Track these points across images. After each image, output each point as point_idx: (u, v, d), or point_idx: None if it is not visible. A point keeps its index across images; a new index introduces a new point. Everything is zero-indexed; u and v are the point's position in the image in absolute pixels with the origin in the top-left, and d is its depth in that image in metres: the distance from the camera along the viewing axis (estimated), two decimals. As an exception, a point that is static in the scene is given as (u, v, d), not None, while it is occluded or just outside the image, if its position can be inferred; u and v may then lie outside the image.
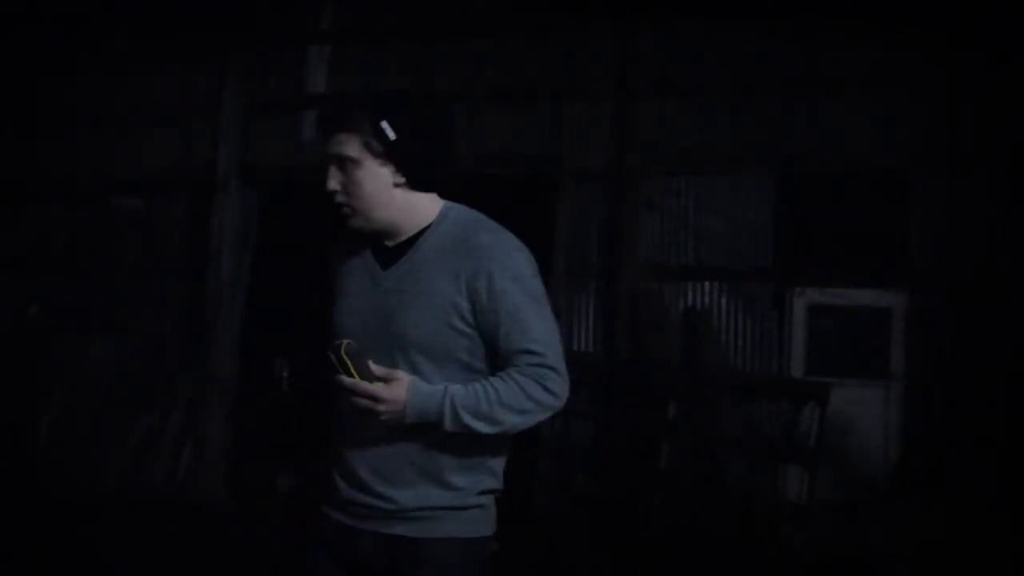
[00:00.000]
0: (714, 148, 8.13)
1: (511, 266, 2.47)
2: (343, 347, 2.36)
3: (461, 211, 2.59)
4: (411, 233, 2.54)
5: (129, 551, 6.61)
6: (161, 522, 7.58)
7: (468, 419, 2.40)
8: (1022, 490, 6.43)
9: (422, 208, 2.55)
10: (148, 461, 8.80)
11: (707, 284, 8.13)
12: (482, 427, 2.41)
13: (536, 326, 2.45)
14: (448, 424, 2.40)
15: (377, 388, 2.37)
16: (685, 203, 8.28)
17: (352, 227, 2.53)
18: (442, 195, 2.61)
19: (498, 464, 2.58)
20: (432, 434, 2.44)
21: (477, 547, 2.54)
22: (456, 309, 2.44)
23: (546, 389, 2.43)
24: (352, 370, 2.37)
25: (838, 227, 7.82)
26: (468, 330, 2.46)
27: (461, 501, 2.50)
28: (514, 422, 2.44)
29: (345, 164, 2.47)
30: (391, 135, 2.45)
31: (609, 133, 8.39)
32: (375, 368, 2.39)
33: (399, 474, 2.48)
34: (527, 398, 2.42)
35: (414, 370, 2.45)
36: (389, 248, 2.55)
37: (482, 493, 2.54)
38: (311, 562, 2.62)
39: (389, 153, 2.46)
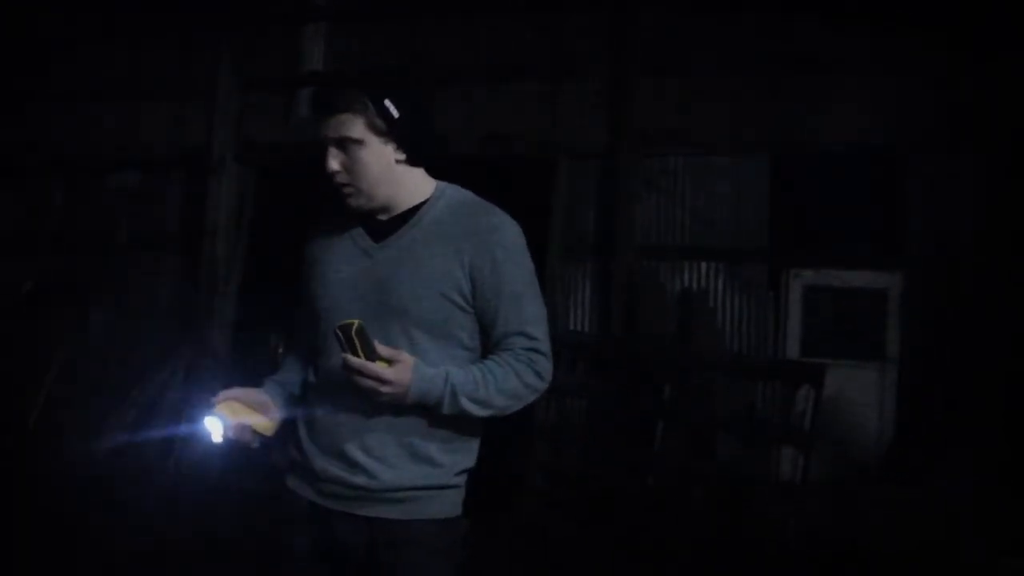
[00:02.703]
0: (711, 129, 8.12)
1: (514, 250, 2.52)
2: (354, 327, 2.34)
3: (457, 190, 2.61)
4: (406, 207, 2.55)
5: (123, 525, 6.61)
6: (155, 496, 7.58)
7: (465, 403, 2.45)
8: (1017, 471, 6.44)
9: (418, 184, 2.58)
10: (143, 436, 8.79)
11: (704, 265, 8.14)
12: (477, 410, 2.47)
13: (532, 310, 2.54)
14: (446, 407, 2.44)
15: (384, 370, 2.37)
16: (682, 183, 8.27)
17: (352, 206, 2.53)
18: (430, 172, 2.62)
19: (476, 444, 2.62)
20: (424, 413, 2.46)
21: (454, 527, 2.57)
22: (456, 285, 2.47)
23: (537, 374, 2.52)
24: (360, 350, 2.35)
25: (835, 208, 7.82)
26: (467, 307, 2.49)
27: (442, 480, 2.53)
28: (506, 405, 2.51)
29: (347, 145, 2.47)
30: (395, 113, 2.47)
31: (606, 113, 8.38)
32: (381, 349, 2.38)
33: (387, 450, 2.48)
34: (521, 383, 2.50)
35: (411, 344, 2.46)
36: (382, 221, 2.55)
37: (460, 473, 2.58)
38: (285, 541, 2.61)
39: (392, 131, 2.48)
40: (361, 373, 2.36)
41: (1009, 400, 6.97)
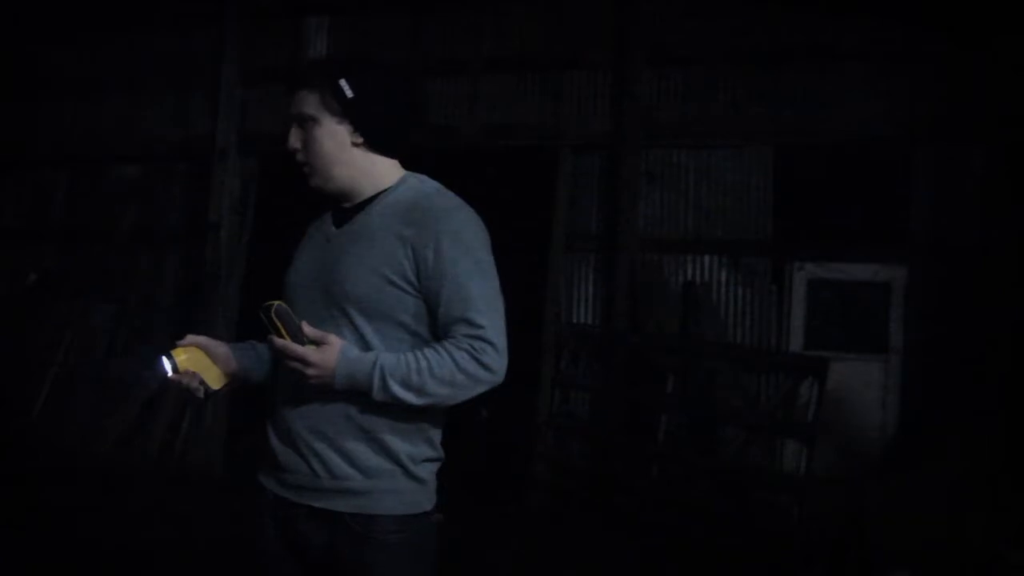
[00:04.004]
0: (714, 121, 8.11)
1: (461, 235, 2.42)
2: (273, 308, 2.34)
3: (422, 180, 2.57)
4: (369, 195, 2.54)
5: (127, 519, 6.62)
6: (159, 490, 7.60)
7: (397, 389, 2.35)
8: (1019, 463, 6.44)
9: (383, 172, 2.55)
10: (147, 429, 8.80)
11: (707, 257, 8.12)
12: (411, 398, 2.37)
13: (479, 297, 2.40)
14: (376, 393, 2.36)
15: (307, 351, 2.34)
16: (685, 176, 8.26)
17: (313, 186, 2.54)
18: (405, 164, 2.61)
19: (436, 433, 2.53)
20: (377, 402, 2.40)
21: (419, 522, 2.48)
22: (397, 268, 2.40)
23: (480, 363, 2.37)
24: (282, 331, 2.34)
25: (838, 201, 7.81)
26: (411, 291, 2.41)
27: (400, 471, 2.45)
28: (444, 395, 2.38)
29: (305, 121, 2.50)
30: (348, 93, 2.46)
31: (609, 105, 8.37)
32: (308, 330, 2.36)
33: (336, 432, 2.42)
34: (459, 371, 2.36)
35: (354, 330, 2.42)
36: (346, 209, 2.56)
37: (423, 462, 2.49)
38: (256, 537, 2.57)
39: (346, 111, 2.47)
40: (286, 355, 2.36)
41: (1011, 392, 6.96)
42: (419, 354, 2.37)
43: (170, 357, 2.49)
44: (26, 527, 6.23)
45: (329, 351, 2.35)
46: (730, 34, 8.08)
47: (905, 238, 7.73)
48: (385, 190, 2.53)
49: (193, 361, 2.52)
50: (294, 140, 2.52)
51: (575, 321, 8.35)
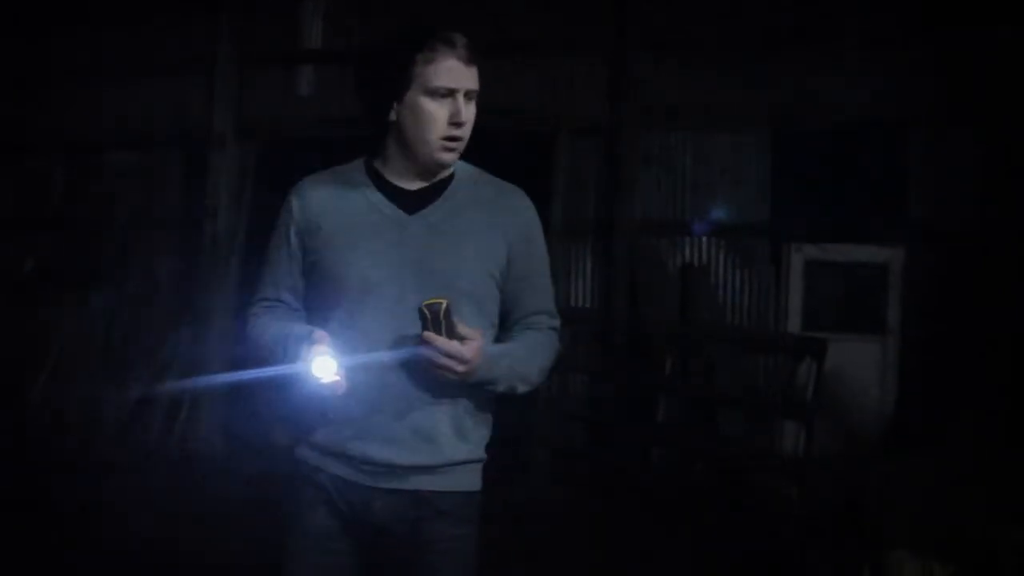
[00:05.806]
0: (711, 103, 8.10)
1: (540, 233, 2.56)
2: (443, 307, 2.25)
3: (463, 164, 2.57)
4: (436, 179, 2.49)
5: (125, 506, 6.62)
6: (158, 477, 7.60)
7: (516, 381, 2.46)
8: (1018, 444, 6.46)
9: None
10: (145, 416, 8.80)
11: (704, 240, 8.13)
12: (521, 387, 2.49)
13: (552, 289, 2.57)
14: (502, 385, 2.44)
15: (464, 349, 2.29)
16: (682, 158, 8.26)
17: (447, 161, 2.46)
18: None
19: (492, 416, 2.57)
20: (464, 388, 2.41)
21: (478, 499, 2.54)
22: (498, 262, 2.45)
23: (557, 350, 2.55)
24: (444, 330, 2.27)
25: (836, 183, 7.81)
26: (500, 283, 2.47)
27: (475, 455, 2.50)
28: (538, 382, 2.53)
29: (473, 97, 2.50)
30: None
31: (606, 88, 8.36)
32: (461, 328, 2.30)
33: (436, 428, 2.41)
34: (549, 360, 2.53)
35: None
36: (409, 192, 2.46)
37: (487, 446, 2.56)
38: (307, 518, 2.49)
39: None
40: (446, 353, 2.28)
41: (1010, 373, 6.97)
42: (525, 345, 2.48)
43: (322, 364, 2.32)
44: (25, 515, 6.23)
45: (477, 347, 2.32)
46: (728, 18, 8.06)
47: (903, 219, 7.73)
48: (450, 175, 2.51)
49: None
50: (468, 115, 2.48)
51: (573, 305, 8.35)
